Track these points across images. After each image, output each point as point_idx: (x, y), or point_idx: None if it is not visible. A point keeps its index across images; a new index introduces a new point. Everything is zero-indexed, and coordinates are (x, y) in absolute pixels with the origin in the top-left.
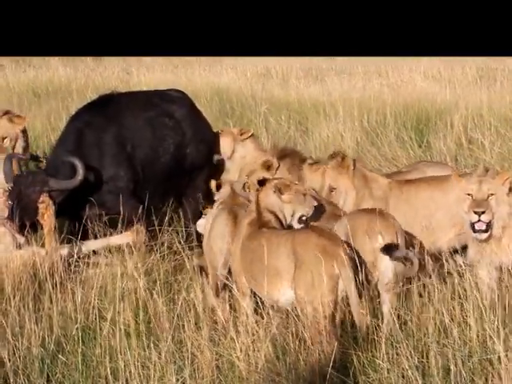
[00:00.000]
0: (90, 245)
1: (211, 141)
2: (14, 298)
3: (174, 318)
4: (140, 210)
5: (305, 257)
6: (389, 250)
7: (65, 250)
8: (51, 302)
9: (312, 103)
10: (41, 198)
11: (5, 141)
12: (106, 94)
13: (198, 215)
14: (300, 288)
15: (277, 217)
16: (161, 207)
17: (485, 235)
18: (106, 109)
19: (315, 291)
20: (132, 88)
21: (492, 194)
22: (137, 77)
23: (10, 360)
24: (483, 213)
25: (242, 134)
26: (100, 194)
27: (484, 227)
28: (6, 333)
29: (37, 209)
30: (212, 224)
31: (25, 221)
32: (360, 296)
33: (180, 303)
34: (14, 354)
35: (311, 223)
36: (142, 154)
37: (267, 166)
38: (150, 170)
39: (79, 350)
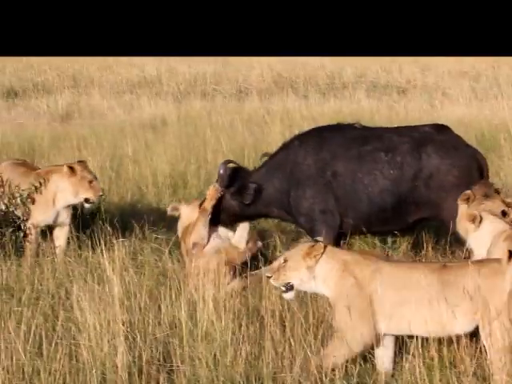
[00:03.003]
0: None
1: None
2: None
3: (475, 350)
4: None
5: None
6: None
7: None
8: None
9: None
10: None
11: None
12: (347, 123)
13: None
14: None
15: None
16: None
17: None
18: (323, 134)
19: None
20: (434, 122)
21: None
22: (440, 110)
23: None
24: None
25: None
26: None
27: None
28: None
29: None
30: None
31: None
32: None
33: None
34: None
35: None
36: (344, 184)
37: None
38: (353, 199)
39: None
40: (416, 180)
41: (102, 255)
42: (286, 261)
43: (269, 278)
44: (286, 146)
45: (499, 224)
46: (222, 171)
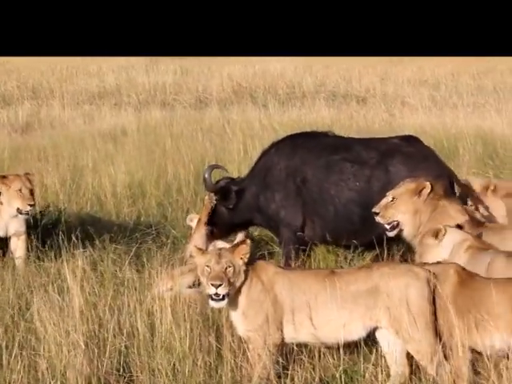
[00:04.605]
0: None
1: None
2: None
3: None
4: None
5: None
6: None
7: None
8: None
9: None
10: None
11: None
12: (321, 131)
13: None
14: None
15: None
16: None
17: None
18: (297, 141)
19: None
20: (394, 131)
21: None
22: (400, 119)
23: None
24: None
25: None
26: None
27: None
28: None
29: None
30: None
31: None
32: None
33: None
34: None
35: None
36: (312, 192)
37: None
38: (321, 207)
39: None
40: (383, 193)
41: (63, 266)
42: (230, 266)
43: (219, 286)
44: (264, 154)
45: (458, 234)
46: (206, 175)
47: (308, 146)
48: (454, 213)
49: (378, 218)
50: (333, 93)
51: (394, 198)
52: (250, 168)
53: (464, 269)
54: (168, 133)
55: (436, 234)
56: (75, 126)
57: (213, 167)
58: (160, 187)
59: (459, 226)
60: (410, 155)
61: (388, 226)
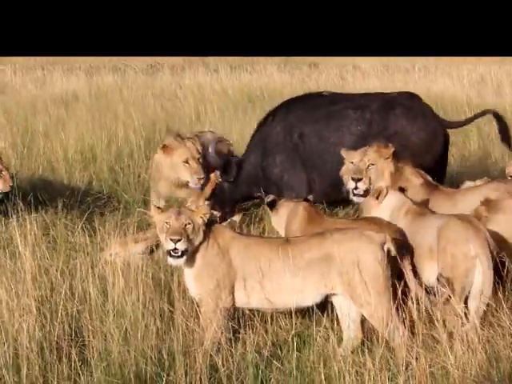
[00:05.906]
0: None
1: (415, 143)
2: None
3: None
4: None
5: None
6: None
7: None
8: None
9: None
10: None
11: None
12: (315, 92)
13: None
14: None
15: None
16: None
17: None
18: (291, 104)
19: None
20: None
21: None
22: (352, 83)
23: (223, 365)
24: None
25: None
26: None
27: None
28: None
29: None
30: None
31: None
32: None
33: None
34: (228, 360)
35: None
36: (309, 144)
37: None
38: (318, 160)
39: (294, 356)
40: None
41: (14, 230)
42: (189, 223)
43: (178, 241)
44: (260, 124)
45: (398, 197)
46: (210, 149)
47: (303, 106)
48: (410, 175)
49: (359, 184)
50: (284, 58)
51: (372, 164)
52: (249, 141)
53: (312, 206)
54: (119, 98)
55: (378, 195)
56: (27, 91)
57: (216, 140)
58: (111, 152)
59: (401, 189)
60: (409, 108)
61: (362, 192)
